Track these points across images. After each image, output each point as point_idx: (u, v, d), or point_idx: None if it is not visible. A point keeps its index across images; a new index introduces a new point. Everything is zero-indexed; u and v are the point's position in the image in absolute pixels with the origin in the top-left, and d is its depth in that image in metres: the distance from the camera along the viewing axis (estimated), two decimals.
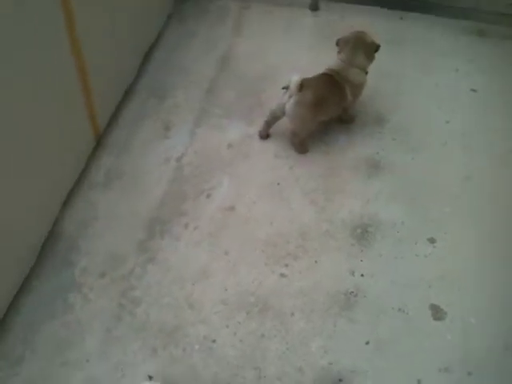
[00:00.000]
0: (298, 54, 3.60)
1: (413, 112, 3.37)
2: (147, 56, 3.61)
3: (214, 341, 2.43)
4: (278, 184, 3.01)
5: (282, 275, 2.65)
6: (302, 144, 3.07)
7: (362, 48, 3.04)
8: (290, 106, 2.92)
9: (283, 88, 2.97)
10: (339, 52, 3.08)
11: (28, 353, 2.38)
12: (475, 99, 3.46)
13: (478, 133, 3.26)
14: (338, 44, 3.10)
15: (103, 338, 2.43)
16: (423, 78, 3.54)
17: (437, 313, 2.51)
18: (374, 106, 3.40)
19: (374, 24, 3.56)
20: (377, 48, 3.06)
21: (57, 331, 2.45)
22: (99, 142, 3.10)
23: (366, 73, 3.11)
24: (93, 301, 2.55)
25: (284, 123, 3.06)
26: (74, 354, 2.38)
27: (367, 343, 2.42)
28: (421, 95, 3.45)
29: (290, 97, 2.92)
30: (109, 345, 2.41)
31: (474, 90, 3.50)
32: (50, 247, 2.70)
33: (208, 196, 2.95)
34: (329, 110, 3.02)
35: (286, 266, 2.68)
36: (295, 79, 2.88)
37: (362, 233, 2.79)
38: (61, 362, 2.36)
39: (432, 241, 2.76)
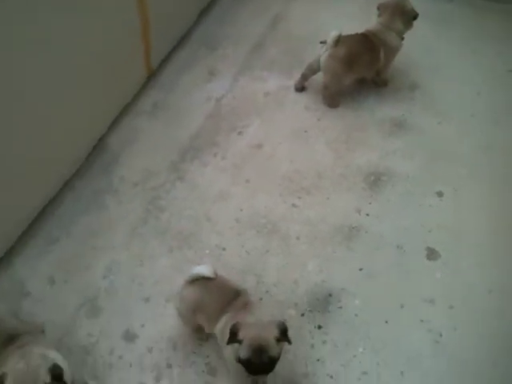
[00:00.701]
0: (346, 19, 3.81)
1: (446, 84, 3.51)
2: (205, 10, 3.97)
3: (223, 249, 2.72)
4: (305, 132, 3.27)
5: (294, 205, 2.90)
6: (332, 98, 3.30)
7: (401, 14, 3.24)
8: (323, 58, 3.17)
9: (321, 42, 3.22)
10: (379, 16, 3.29)
11: (63, 236, 2.77)
12: (510, 80, 3.55)
13: (507, 109, 3.36)
14: (378, 8, 3.31)
15: (129, 233, 2.78)
16: (463, 57, 3.66)
17: (431, 254, 2.68)
18: (410, 75, 3.57)
19: (422, 3, 3.70)
20: (415, 16, 3.25)
21: (90, 223, 2.82)
22: (150, 78, 3.48)
23: (402, 38, 3.30)
24: (124, 204, 2.92)
25: (320, 78, 3.30)
26: (102, 242, 2.75)
27: (360, 269, 2.64)
28: (458, 71, 3.58)
29: (326, 50, 3.16)
30: (133, 239, 2.76)
31: (511, 71, 3.59)
32: (94, 158, 3.10)
33: (239, 133, 3.25)
34: (360, 69, 3.23)
35: (299, 198, 2.94)
36: (333, 34, 3.12)
37: (375, 180, 3.00)
38: (91, 246, 2.73)
39: (440, 194, 2.92)
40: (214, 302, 2.16)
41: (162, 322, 2.48)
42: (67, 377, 1.92)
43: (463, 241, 2.72)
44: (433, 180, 2.99)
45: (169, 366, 2.35)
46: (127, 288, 2.59)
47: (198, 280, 2.19)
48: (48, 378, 1.84)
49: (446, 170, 3.03)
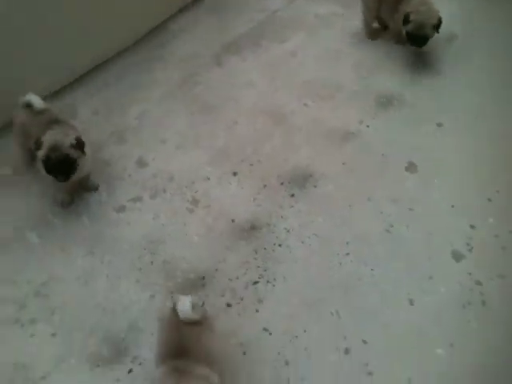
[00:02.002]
0: None
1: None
2: None
3: (236, 122, 3.22)
4: (338, 51, 3.64)
5: (306, 105, 3.33)
6: (369, 29, 3.64)
7: None
8: None
9: None
10: None
11: (113, 84, 3.42)
12: None
13: None
14: None
15: (164, 94, 3.39)
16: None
17: (410, 167, 3.00)
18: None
19: None
20: None
21: (137, 80, 3.49)
22: None
23: None
24: (168, 72, 3.52)
25: None
26: (141, 94, 3.41)
27: (344, 164, 3.03)
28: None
29: None
30: (165, 99, 3.35)
31: None
32: (154, 35, 3.78)
33: (281, 42, 3.71)
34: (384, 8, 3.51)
35: (313, 101, 3.35)
36: None
37: (385, 102, 3.33)
38: (132, 96, 3.37)
39: (439, 125, 3.21)
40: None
41: (168, 161, 3.02)
42: (88, 152, 2.59)
43: (444, 166, 2.99)
44: (439, 111, 3.26)
45: (164, 190, 2.90)
46: (154, 131, 3.17)
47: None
48: (74, 142, 2.49)
49: (455, 105, 3.26)
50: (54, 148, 2.50)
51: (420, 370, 2.22)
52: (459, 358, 2.25)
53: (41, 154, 2.52)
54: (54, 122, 2.66)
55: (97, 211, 2.79)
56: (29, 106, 2.68)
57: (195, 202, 2.85)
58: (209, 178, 2.96)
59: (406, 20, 3.25)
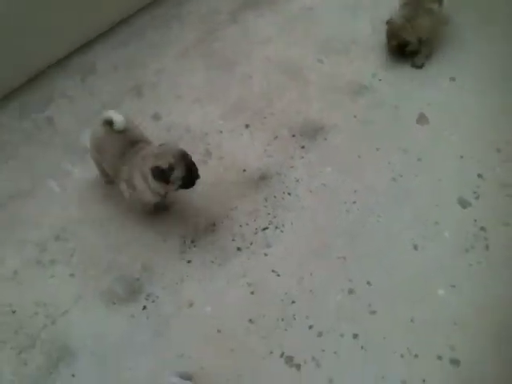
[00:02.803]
0: None
1: None
2: None
3: (250, 77, 3.27)
4: (356, 7, 3.63)
5: (319, 60, 3.35)
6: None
7: None
8: None
9: None
10: None
11: (133, 42, 3.47)
12: None
13: None
14: None
15: (182, 51, 3.44)
16: None
17: (421, 119, 3.03)
18: None
19: None
20: None
21: (155, 37, 3.51)
22: None
23: None
24: (185, 29, 3.56)
25: None
26: (159, 51, 3.44)
27: (355, 116, 3.07)
28: None
29: None
30: (183, 56, 3.40)
31: None
32: None
33: None
34: None
35: (327, 56, 3.37)
36: None
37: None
38: (150, 52, 3.43)
39: (452, 79, 3.20)
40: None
41: (183, 115, 3.10)
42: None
43: (455, 118, 3.00)
44: (452, 68, 3.24)
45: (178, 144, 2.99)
46: (170, 87, 3.24)
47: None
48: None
49: (464, 62, 3.25)
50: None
51: (421, 310, 2.30)
52: (460, 298, 2.32)
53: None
54: (134, 143, 2.47)
55: None
56: (109, 123, 2.41)
57: (208, 154, 2.93)
58: (221, 131, 3.04)
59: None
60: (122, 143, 2.44)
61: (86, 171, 2.84)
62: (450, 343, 2.19)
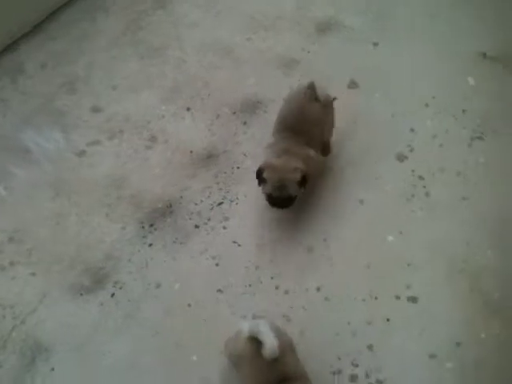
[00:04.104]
0: None
1: None
2: None
3: (184, 61, 3.30)
4: None
5: (248, 39, 3.44)
6: None
7: None
8: None
9: None
10: None
11: (60, 37, 3.43)
12: None
13: None
14: None
15: (110, 41, 3.40)
16: None
17: (352, 84, 3.20)
18: None
19: None
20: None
21: (83, 30, 3.45)
22: None
23: None
24: (110, 19, 3.52)
25: None
26: (88, 45, 3.39)
27: (290, 88, 3.18)
28: None
29: None
30: (112, 47, 3.38)
31: None
32: None
33: None
34: None
35: (254, 33, 3.47)
36: None
37: (324, 29, 3.48)
38: (78, 46, 3.37)
39: (375, 44, 3.39)
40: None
41: (122, 105, 3.11)
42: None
43: (383, 81, 3.19)
44: (374, 34, 3.44)
45: (121, 132, 3.00)
46: (104, 78, 3.23)
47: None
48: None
49: (386, 28, 3.46)
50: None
51: (375, 256, 2.47)
52: (408, 242, 2.52)
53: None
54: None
55: (57, 158, 2.88)
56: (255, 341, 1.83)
57: (153, 138, 2.97)
58: (163, 116, 3.07)
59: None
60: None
61: (30, 171, 2.80)
62: (405, 283, 2.38)
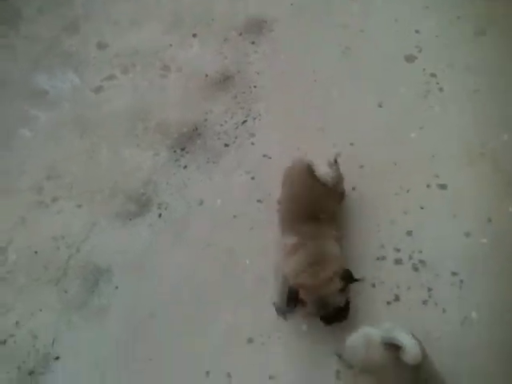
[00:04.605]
0: None
1: None
2: None
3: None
4: None
5: None
6: None
7: None
8: None
9: None
10: None
11: None
12: None
13: None
14: None
15: None
16: None
17: None
18: None
19: None
20: None
21: None
22: None
23: None
24: None
25: None
26: None
27: (292, 4, 3.20)
28: None
29: None
30: None
31: None
32: None
33: None
34: None
35: None
36: None
37: None
38: None
39: None
40: None
41: (127, 38, 3.11)
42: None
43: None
44: None
45: (133, 65, 3.01)
46: (104, 14, 3.21)
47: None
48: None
49: None
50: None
51: (401, 152, 2.60)
52: (429, 136, 2.64)
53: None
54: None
55: (76, 96, 2.90)
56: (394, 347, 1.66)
57: (166, 68, 2.99)
58: (171, 45, 3.09)
59: None
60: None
61: (51, 112, 2.82)
62: (433, 173, 2.53)
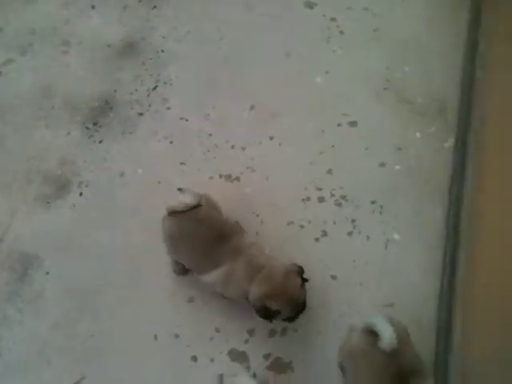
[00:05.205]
0: None
1: None
2: None
3: None
4: None
5: None
6: None
7: None
8: None
9: None
10: None
11: None
12: None
13: None
14: None
15: None
16: None
17: None
18: None
19: None
20: None
21: None
22: None
23: None
24: None
25: None
26: None
27: None
28: None
29: None
30: None
31: None
32: None
33: None
34: None
35: None
36: None
37: None
38: None
39: None
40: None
41: (20, 17, 2.97)
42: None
43: None
44: None
45: (31, 45, 2.87)
46: None
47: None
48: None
49: None
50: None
51: (310, 96, 2.67)
52: (335, 79, 2.73)
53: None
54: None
55: None
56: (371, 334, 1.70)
57: (66, 43, 2.90)
58: (69, 20, 2.98)
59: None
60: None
61: None
62: (343, 112, 2.62)
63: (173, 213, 1.96)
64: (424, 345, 1.96)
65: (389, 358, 1.62)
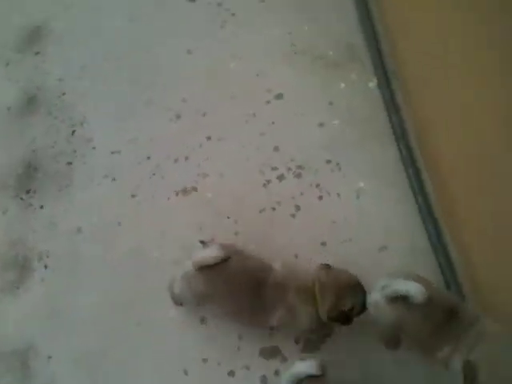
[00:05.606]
0: None
1: None
2: None
3: None
4: None
5: None
6: None
7: None
8: None
9: None
10: None
11: None
12: None
13: None
14: None
15: None
16: None
17: None
18: None
19: None
20: None
21: None
22: None
23: None
24: None
25: None
26: None
27: None
28: None
29: None
30: None
31: None
32: None
33: None
34: None
35: None
36: None
37: None
38: None
39: None
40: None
41: None
42: None
43: None
44: None
45: None
46: None
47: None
48: None
49: None
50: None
51: (230, 85, 2.65)
52: (247, 64, 2.72)
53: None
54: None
55: None
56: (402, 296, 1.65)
57: None
58: None
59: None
60: None
61: None
62: (266, 88, 2.63)
63: (201, 268, 1.81)
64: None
65: (428, 307, 1.61)
